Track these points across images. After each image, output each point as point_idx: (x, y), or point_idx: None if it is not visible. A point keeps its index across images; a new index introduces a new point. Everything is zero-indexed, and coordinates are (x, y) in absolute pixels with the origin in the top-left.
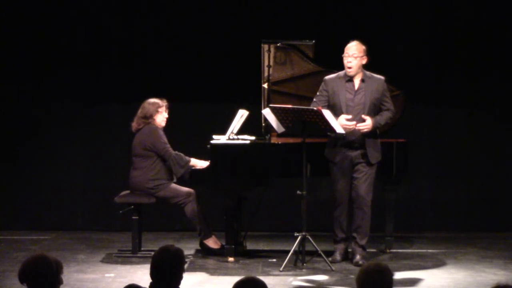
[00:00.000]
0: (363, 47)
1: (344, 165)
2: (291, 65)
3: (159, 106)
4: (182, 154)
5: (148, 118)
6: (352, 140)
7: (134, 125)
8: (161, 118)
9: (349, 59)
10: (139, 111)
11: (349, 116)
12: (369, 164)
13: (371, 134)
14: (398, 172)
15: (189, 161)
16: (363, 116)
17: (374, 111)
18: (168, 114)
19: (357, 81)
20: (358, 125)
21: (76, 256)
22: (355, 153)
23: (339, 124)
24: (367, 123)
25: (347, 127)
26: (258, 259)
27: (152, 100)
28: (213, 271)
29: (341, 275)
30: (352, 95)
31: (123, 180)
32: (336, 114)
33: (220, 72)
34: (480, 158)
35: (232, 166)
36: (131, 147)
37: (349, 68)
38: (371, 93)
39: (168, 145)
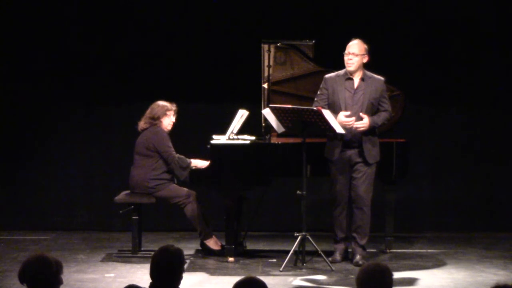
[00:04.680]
0: (365, 46)
1: (343, 164)
2: (291, 65)
3: (168, 110)
4: (183, 157)
5: (155, 119)
6: (349, 139)
7: (141, 124)
8: (167, 121)
9: (350, 56)
10: (148, 111)
11: (348, 113)
12: (367, 163)
13: (369, 133)
14: (398, 172)
15: (190, 163)
16: (361, 114)
17: (371, 111)
18: (176, 119)
19: (356, 80)
20: (355, 123)
21: (76, 256)
22: (352, 152)
23: (338, 121)
24: (364, 122)
25: (347, 123)
26: (258, 259)
27: (162, 102)
28: (213, 271)
29: (341, 275)
30: (351, 94)
31: (123, 180)
32: (335, 112)
33: (220, 72)
34: (480, 158)
35: (232, 166)
36: (134, 145)
37: (349, 66)
38: (370, 92)
39: (172, 149)
